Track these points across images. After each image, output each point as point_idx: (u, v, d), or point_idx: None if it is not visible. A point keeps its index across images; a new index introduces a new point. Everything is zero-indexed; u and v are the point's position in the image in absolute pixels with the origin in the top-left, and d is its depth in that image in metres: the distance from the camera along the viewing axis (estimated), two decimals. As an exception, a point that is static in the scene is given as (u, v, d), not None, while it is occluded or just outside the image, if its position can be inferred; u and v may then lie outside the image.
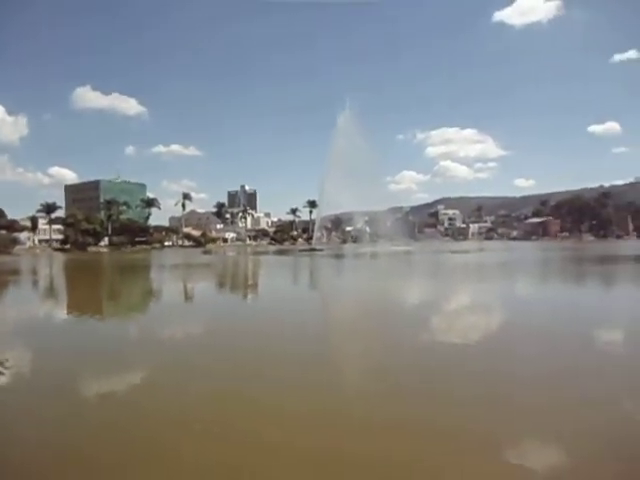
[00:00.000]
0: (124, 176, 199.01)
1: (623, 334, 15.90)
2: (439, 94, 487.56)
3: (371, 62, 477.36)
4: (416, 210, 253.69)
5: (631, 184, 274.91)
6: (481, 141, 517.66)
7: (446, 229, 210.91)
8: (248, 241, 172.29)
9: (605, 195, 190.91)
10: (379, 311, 21.02)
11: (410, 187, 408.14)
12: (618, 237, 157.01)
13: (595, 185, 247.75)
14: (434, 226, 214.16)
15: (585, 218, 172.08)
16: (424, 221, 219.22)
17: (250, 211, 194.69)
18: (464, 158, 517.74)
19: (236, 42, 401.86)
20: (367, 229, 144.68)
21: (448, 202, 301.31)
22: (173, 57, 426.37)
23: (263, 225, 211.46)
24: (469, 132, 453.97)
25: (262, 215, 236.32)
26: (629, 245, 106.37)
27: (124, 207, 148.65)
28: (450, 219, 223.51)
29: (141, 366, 11.80)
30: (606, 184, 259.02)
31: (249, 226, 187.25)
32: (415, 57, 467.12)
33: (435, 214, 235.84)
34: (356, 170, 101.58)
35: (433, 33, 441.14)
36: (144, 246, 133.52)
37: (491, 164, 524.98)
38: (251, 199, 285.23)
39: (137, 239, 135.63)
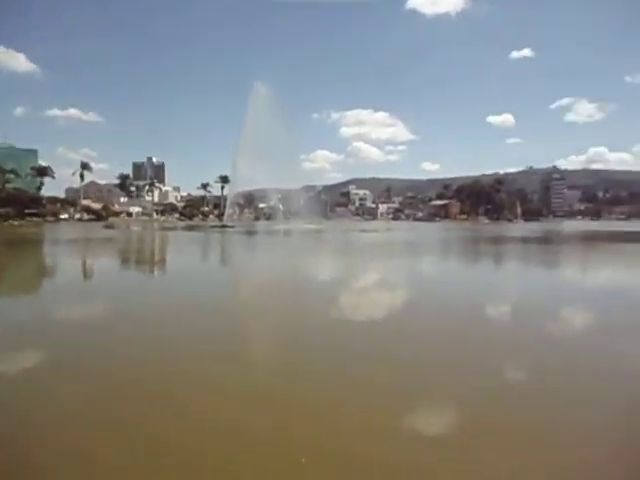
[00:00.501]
0: (11, 141, 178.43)
1: (510, 305, 17.59)
2: (354, 76, 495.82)
3: (290, 42, 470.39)
4: (329, 189, 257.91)
5: (522, 172, 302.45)
6: (392, 124, 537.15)
7: (357, 209, 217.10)
8: (155, 216, 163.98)
9: (499, 182, 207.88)
10: (287, 288, 21.12)
11: (324, 166, 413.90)
12: (508, 220, 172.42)
13: (491, 172, 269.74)
14: (345, 205, 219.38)
15: (482, 202, 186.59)
16: (336, 200, 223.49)
17: (157, 184, 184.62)
18: (376, 140, 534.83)
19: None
20: (280, 207, 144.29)
21: (360, 182, 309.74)
22: (71, 8, 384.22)
23: (171, 199, 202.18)
24: (382, 115, 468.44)
25: (171, 189, 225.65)
26: (517, 227, 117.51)
27: (11, 175, 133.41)
28: (361, 199, 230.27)
29: (25, 351, 10.71)
30: (501, 171, 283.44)
31: (156, 200, 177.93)
32: (333, 38, 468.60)
33: (347, 194, 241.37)
34: (270, 147, 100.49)
35: (350, 14, 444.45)
36: (35, 219, 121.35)
37: (401, 147, 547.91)
38: (159, 172, 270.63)
39: (27, 211, 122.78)
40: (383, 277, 25.38)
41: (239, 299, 18.92)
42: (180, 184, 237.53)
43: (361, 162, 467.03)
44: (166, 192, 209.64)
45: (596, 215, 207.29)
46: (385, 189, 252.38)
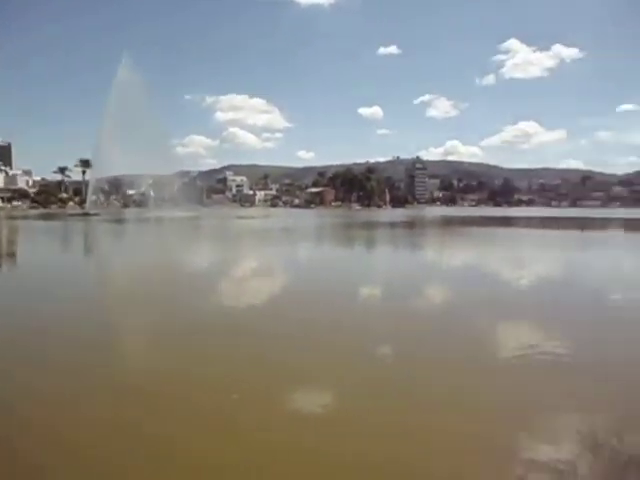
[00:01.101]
0: None
1: (379, 285, 18.90)
2: (229, 60, 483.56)
3: (161, 19, 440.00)
4: (204, 175, 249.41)
5: (390, 162, 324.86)
6: (269, 111, 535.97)
7: (234, 195, 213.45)
8: (1, 203, 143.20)
9: (370, 170, 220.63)
10: (153, 281, 20.04)
11: (198, 151, 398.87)
12: (378, 207, 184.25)
13: (363, 161, 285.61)
14: (222, 192, 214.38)
15: (354, 189, 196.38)
16: (212, 187, 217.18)
17: (3, 167, 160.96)
18: (253, 126, 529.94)
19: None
20: (152, 193, 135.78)
21: (237, 169, 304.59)
22: None
23: (22, 184, 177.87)
24: (258, 101, 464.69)
25: (20, 172, 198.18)
26: (386, 213, 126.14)
27: None
28: (238, 186, 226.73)
29: None
30: (371, 160, 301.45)
31: (2, 185, 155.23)
32: (206, 20, 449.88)
33: (223, 180, 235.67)
34: (137, 129, 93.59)
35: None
36: None
37: (278, 135, 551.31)
38: (4, 153, 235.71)
39: None
40: (260, 264, 25.44)
41: (92, 297, 17.48)
42: (32, 167, 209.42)
43: (238, 148, 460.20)
44: (14, 176, 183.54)
45: (452, 202, 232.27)
46: (262, 176, 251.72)
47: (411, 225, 68.92)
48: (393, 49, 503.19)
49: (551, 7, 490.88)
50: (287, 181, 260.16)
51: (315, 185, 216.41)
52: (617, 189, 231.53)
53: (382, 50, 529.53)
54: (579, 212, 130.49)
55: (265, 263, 25.58)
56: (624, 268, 25.99)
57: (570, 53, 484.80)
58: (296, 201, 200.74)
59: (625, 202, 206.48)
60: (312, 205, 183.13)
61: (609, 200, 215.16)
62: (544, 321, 12.98)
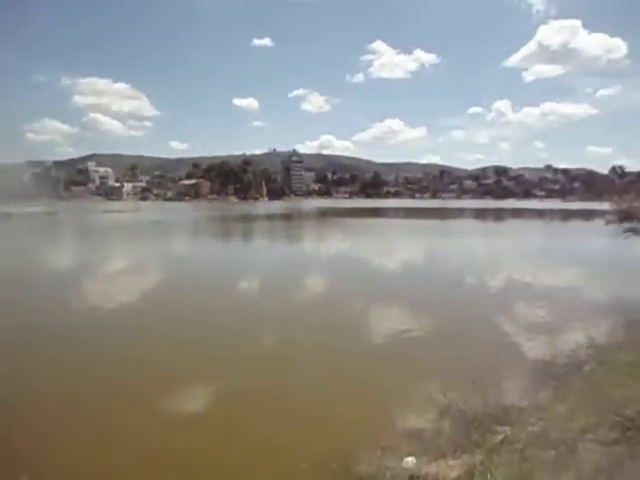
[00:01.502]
0: None
1: (253, 277, 18.98)
2: (91, 40, 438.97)
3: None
4: (62, 165, 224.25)
5: (266, 154, 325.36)
6: (135, 97, 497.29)
7: (98, 188, 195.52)
8: None
9: (246, 162, 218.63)
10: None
11: (54, 139, 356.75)
12: (255, 199, 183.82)
13: (239, 153, 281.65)
14: (84, 184, 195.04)
15: (230, 182, 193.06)
16: (72, 178, 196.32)
17: None
18: (117, 113, 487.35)
19: None
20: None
21: (100, 159, 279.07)
22: None
23: None
24: (122, 86, 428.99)
25: None
26: (263, 206, 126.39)
27: None
28: (102, 177, 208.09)
29: None
30: (248, 153, 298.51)
31: None
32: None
33: (85, 171, 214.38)
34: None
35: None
36: None
37: (146, 123, 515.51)
38: None
39: None
40: (128, 262, 23.86)
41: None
42: None
43: (101, 136, 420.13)
44: None
45: (327, 194, 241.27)
46: (130, 167, 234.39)
47: (289, 217, 70.02)
48: (267, 41, 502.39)
49: (413, 14, 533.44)
50: (158, 173, 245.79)
51: (189, 177, 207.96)
52: (468, 183, 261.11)
53: (256, 42, 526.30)
54: (439, 203, 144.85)
55: (135, 261, 24.03)
56: (476, 253, 29.69)
57: (429, 58, 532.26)
58: (169, 194, 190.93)
59: (475, 194, 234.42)
60: (187, 198, 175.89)
61: (462, 192, 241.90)
62: (407, 303, 14.30)
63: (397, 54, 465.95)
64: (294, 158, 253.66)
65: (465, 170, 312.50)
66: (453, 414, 6.13)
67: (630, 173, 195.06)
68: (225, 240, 36.26)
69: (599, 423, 4.01)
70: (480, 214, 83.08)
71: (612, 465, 3.20)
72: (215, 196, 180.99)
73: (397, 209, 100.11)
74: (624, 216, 14.78)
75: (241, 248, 30.93)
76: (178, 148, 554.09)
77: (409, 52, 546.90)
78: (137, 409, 6.63)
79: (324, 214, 78.83)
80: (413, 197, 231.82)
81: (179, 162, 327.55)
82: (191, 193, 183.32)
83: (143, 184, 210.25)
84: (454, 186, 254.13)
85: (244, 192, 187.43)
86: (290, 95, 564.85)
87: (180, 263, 23.25)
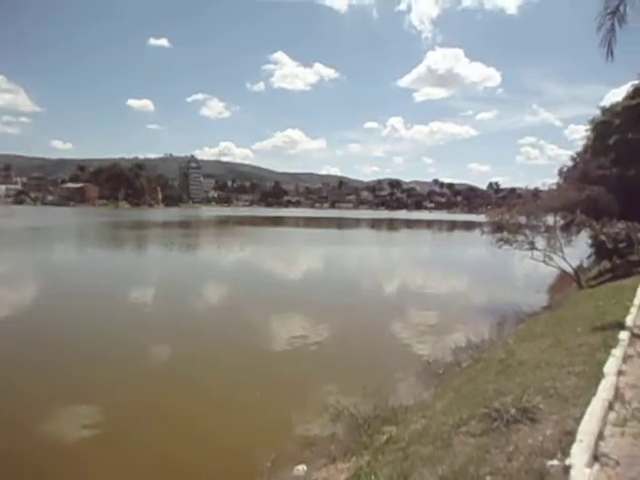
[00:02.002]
0: None
1: (154, 286, 17.97)
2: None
3: None
4: None
5: (162, 159, 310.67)
6: (11, 91, 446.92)
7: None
8: None
9: (139, 166, 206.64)
10: None
11: None
12: (150, 205, 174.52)
13: (132, 156, 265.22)
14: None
15: (122, 186, 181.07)
16: None
17: None
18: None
19: None
20: None
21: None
22: None
23: None
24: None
25: None
26: (158, 213, 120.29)
27: None
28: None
29: None
30: (141, 156, 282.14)
31: None
32: None
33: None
34: None
35: None
36: None
37: (24, 119, 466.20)
38: None
39: None
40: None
41: None
42: None
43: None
44: None
45: (227, 202, 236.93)
46: (3, 167, 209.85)
47: (187, 225, 67.42)
48: (164, 42, 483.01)
49: (313, 29, 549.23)
50: (37, 174, 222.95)
51: (74, 180, 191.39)
52: (365, 194, 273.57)
53: (152, 41, 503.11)
54: (337, 213, 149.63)
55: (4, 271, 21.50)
56: (372, 261, 31.11)
57: (328, 72, 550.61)
58: (50, 198, 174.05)
59: (371, 205, 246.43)
60: (71, 203, 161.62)
61: (359, 203, 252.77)
62: (305, 311, 14.52)
63: (297, 66, 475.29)
64: (192, 164, 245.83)
65: (362, 182, 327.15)
66: (345, 419, 6.31)
67: (504, 189, 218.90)
68: (116, 248, 33.80)
69: (471, 416, 4.36)
70: (376, 224, 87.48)
71: (479, 454, 3.50)
72: (104, 201, 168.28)
73: (297, 218, 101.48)
74: (496, 227, 16.44)
75: (135, 257, 29.06)
76: (60, 148, 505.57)
77: (309, 65, 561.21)
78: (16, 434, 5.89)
79: (224, 222, 77.25)
80: (313, 206, 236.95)
81: (61, 163, 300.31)
82: (76, 198, 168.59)
83: (18, 186, 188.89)
84: (352, 197, 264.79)
85: (137, 198, 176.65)
86: (188, 99, 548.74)
87: (63, 273, 21.24)
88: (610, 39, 11.32)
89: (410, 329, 13.13)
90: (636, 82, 21.70)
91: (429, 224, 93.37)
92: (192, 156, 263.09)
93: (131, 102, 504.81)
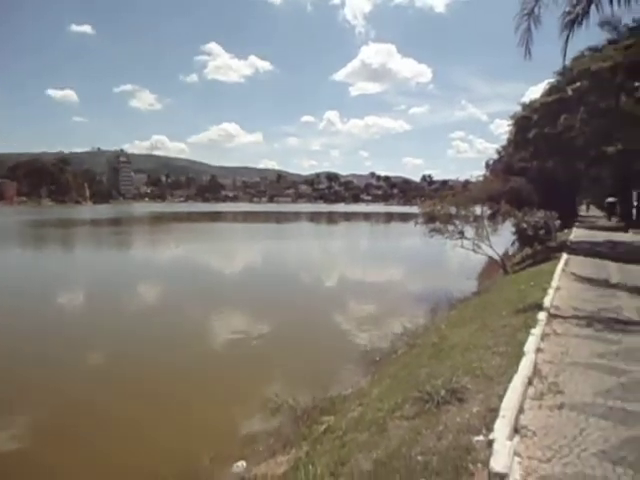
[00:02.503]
0: None
1: (87, 284, 17.01)
2: None
3: None
4: None
5: (89, 153, 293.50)
6: None
7: None
8: None
9: (64, 161, 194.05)
10: None
11: None
12: (77, 202, 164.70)
13: (55, 150, 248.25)
14: None
15: (44, 182, 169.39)
16: None
17: None
18: None
19: None
20: None
21: None
22: None
23: None
24: None
25: None
26: (86, 210, 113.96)
27: None
28: None
29: None
30: (66, 150, 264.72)
31: None
32: None
33: None
34: None
35: None
36: None
37: None
38: None
39: None
40: None
41: None
42: None
43: None
44: None
45: (161, 197, 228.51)
46: None
47: (117, 222, 64.22)
48: (87, 28, 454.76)
49: (246, 20, 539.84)
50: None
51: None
52: (303, 187, 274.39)
53: (75, 27, 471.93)
54: (276, 207, 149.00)
55: None
56: (312, 254, 31.27)
57: (263, 65, 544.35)
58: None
59: (309, 198, 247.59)
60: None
61: (298, 197, 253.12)
62: (245, 307, 14.37)
63: (231, 58, 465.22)
64: (122, 158, 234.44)
65: (300, 175, 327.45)
66: (284, 412, 6.33)
67: (437, 181, 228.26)
68: (37, 250, 31.58)
69: (405, 400, 4.52)
70: (315, 217, 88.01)
71: (412, 436, 3.64)
72: (24, 199, 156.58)
73: (235, 213, 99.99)
74: (429, 218, 17.11)
75: (59, 259, 27.33)
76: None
77: (244, 57, 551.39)
78: None
79: (159, 219, 74.49)
80: (251, 201, 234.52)
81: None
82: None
83: None
84: (290, 191, 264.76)
85: (62, 195, 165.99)
86: (116, 90, 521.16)
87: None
88: (527, 39, 12.10)
89: (349, 320, 13.39)
90: (552, 80, 23.29)
91: (367, 216, 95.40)
92: (122, 150, 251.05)
93: (51, 92, 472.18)
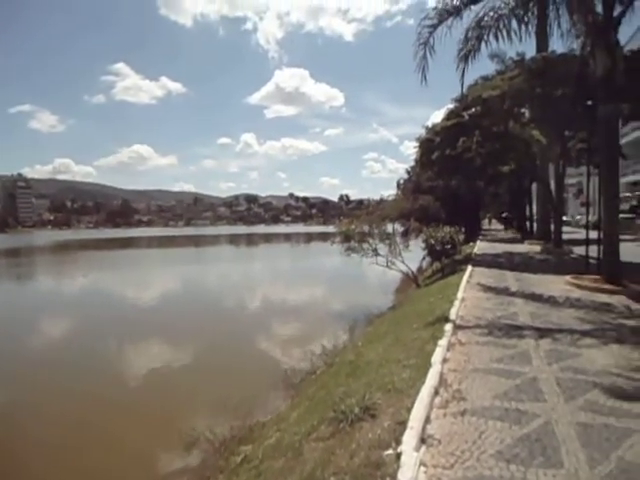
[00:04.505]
0: None
1: None
2: None
3: None
4: None
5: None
6: None
7: None
8: None
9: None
10: None
11: None
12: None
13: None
14: None
15: None
16: None
17: None
18: None
19: None
20: None
21: None
22: None
23: None
24: None
25: None
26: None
27: None
28: None
29: None
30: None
31: None
32: None
33: None
34: None
35: None
36: None
37: None
38: None
39: None
40: None
41: None
42: None
43: None
44: None
45: (66, 225, 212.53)
46: None
47: (15, 253, 58.49)
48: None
49: (156, 41, 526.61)
50: None
51: None
52: (222, 209, 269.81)
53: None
54: (193, 230, 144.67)
55: None
56: (233, 277, 30.65)
57: (175, 87, 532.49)
58: None
59: (229, 220, 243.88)
60: None
61: (216, 219, 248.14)
62: (162, 335, 13.71)
63: (142, 79, 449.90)
64: (20, 183, 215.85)
65: (219, 198, 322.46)
66: (201, 445, 6.09)
67: (353, 201, 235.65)
68: None
69: (321, 422, 4.55)
70: (234, 239, 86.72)
71: (326, 457, 3.67)
72: None
73: (150, 238, 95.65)
74: (344, 237, 17.57)
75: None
76: None
77: (155, 79, 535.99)
78: None
79: (64, 247, 69.05)
80: (167, 225, 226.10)
81: None
82: None
83: None
84: (208, 213, 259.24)
85: None
86: (12, 110, 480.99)
87: None
88: (423, 66, 13.07)
89: (271, 343, 13.28)
90: (451, 105, 25.27)
91: (287, 237, 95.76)
92: (19, 174, 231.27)
93: None
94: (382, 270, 18.36)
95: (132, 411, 8.07)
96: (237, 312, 18.93)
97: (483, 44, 13.21)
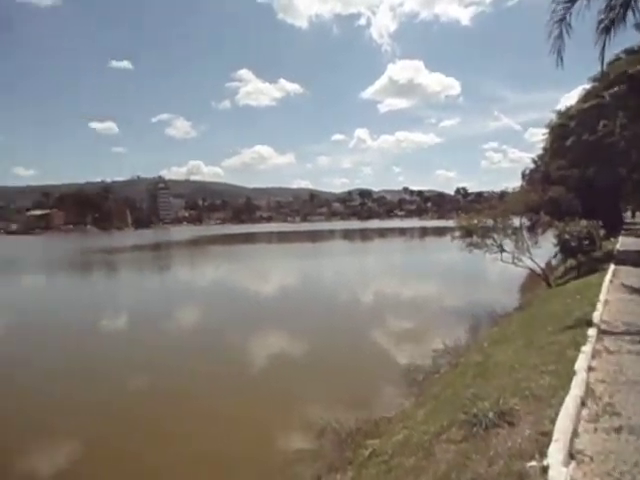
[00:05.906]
0: None
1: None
2: None
3: None
4: None
5: (129, 181, 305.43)
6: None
7: None
8: None
9: (106, 190, 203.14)
10: None
11: None
12: (119, 229, 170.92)
13: (98, 180, 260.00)
14: None
15: (89, 211, 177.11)
16: None
17: None
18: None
19: None
20: None
21: None
22: None
23: None
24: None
25: None
26: (128, 236, 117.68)
27: None
28: None
29: None
30: (108, 179, 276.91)
31: None
32: None
33: None
34: None
35: None
36: None
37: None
38: None
39: None
40: None
41: None
42: None
43: None
44: None
45: (198, 221, 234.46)
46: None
47: (157, 247, 65.92)
48: (126, 64, 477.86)
49: (275, 46, 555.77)
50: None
51: (38, 207, 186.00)
52: (336, 205, 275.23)
53: (114, 64, 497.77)
54: (310, 226, 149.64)
55: None
56: (350, 273, 31.18)
57: (293, 88, 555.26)
58: (13, 226, 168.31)
59: (343, 216, 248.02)
60: (37, 231, 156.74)
61: (331, 215, 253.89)
62: (285, 327, 14.44)
63: (262, 82, 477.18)
64: (160, 185, 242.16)
65: (333, 194, 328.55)
66: (329, 434, 6.29)
67: (471, 193, 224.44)
68: (96, 276, 32.97)
69: (451, 423, 4.41)
70: (349, 235, 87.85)
71: (461, 461, 3.55)
72: (71, 227, 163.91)
73: (270, 233, 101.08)
74: (465, 232, 16.79)
75: (115, 284, 28.45)
76: (23, 175, 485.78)
77: (274, 81, 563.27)
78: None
79: (195, 242, 76.15)
80: (285, 220, 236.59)
81: (25, 191, 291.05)
82: (41, 225, 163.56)
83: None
84: (323, 209, 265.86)
85: (105, 221, 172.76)
86: (153, 120, 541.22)
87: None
88: (559, 46, 11.87)
89: (389, 338, 13.23)
90: (587, 86, 22.73)
91: (401, 232, 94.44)
92: (160, 177, 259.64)
93: (94, 125, 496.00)
94: (504, 267, 17.24)
95: (264, 397, 8.62)
96: (354, 307, 19.16)
97: (630, 12, 11.60)
